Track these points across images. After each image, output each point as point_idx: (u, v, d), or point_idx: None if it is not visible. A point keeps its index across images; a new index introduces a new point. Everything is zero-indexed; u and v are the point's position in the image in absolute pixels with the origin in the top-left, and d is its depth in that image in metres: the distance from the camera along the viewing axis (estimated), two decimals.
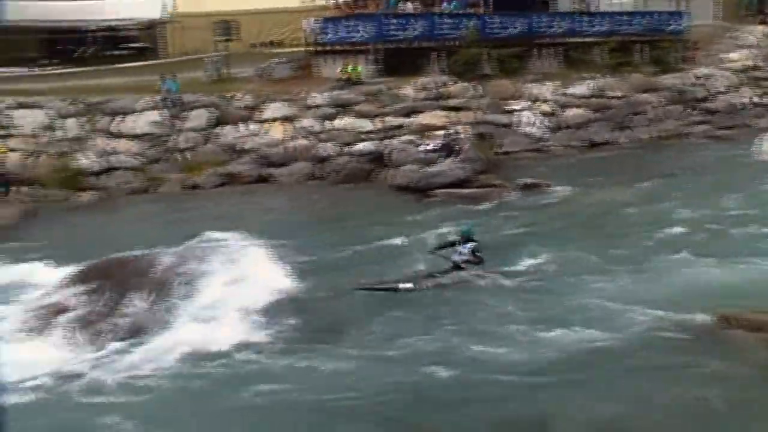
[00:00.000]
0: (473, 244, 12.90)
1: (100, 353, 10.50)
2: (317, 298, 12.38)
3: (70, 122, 22.08)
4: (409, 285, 12.47)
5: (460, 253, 12.91)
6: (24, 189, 19.38)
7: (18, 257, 14.40)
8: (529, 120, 24.88)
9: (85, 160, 20.93)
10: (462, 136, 22.12)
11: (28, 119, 21.84)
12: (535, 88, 25.90)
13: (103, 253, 13.91)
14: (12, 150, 20.34)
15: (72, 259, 13.65)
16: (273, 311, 11.69)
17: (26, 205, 18.75)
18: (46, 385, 9.70)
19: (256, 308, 11.58)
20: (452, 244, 13.22)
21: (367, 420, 8.92)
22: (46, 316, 11.12)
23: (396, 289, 12.38)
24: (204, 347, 10.53)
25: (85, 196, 19.81)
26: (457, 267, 12.89)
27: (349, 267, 14.23)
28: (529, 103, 25.36)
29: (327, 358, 10.32)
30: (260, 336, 11.01)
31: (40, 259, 14.12)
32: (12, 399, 8.99)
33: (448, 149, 21.11)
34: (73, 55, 33.07)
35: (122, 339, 10.82)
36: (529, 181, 20.01)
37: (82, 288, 11.64)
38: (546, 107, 25.45)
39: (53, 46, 33.52)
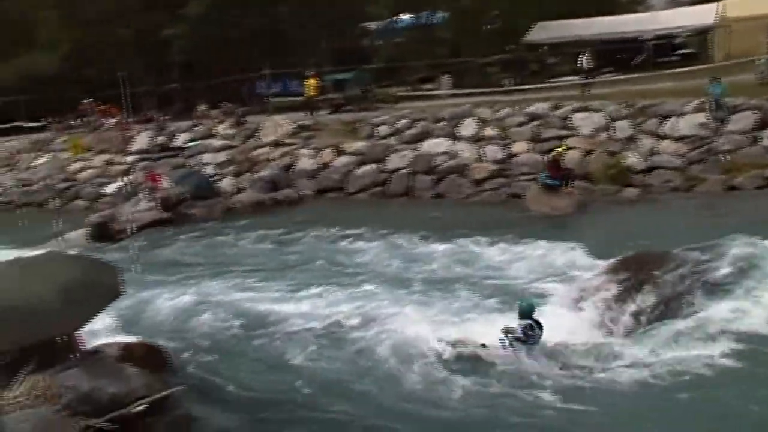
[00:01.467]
0: (527, 322, 10.24)
1: (621, 336, 10.71)
2: None
3: (622, 123, 22.53)
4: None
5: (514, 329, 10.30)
6: (578, 183, 20.39)
7: (568, 243, 15.32)
8: None
9: (632, 159, 21.17)
10: None
11: (587, 121, 22.90)
12: None
13: (639, 246, 14.11)
14: (570, 148, 21.52)
15: (610, 249, 14.14)
16: None
17: (579, 197, 19.73)
18: (575, 354, 10.29)
19: None
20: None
21: None
22: (584, 297, 11.71)
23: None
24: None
25: (630, 192, 20.04)
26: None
27: None
28: None
29: None
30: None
31: (585, 247, 14.85)
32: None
33: None
34: (630, 63, 33.55)
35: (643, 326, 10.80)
36: None
37: (616, 277, 12.00)
38: None
39: (613, 56, 34.52)
